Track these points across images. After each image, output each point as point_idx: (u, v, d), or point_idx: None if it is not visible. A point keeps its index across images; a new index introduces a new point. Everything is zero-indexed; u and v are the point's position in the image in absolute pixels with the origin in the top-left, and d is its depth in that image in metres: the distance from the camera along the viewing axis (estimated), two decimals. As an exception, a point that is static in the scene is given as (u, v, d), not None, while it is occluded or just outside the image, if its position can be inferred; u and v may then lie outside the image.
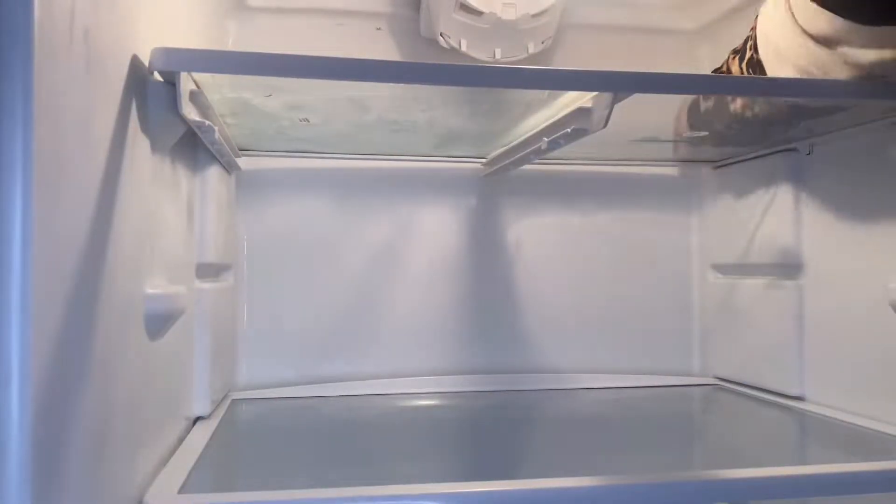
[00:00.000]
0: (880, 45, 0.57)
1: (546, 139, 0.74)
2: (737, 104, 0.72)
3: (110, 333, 0.45)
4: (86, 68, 0.41)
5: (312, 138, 0.89)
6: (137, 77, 0.51)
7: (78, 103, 0.40)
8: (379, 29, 1.00)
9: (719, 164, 1.03)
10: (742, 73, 0.72)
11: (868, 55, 0.57)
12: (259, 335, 0.97)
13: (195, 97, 0.59)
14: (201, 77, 0.58)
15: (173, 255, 0.64)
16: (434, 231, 1.02)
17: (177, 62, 0.53)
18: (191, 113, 0.57)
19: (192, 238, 0.73)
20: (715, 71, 0.81)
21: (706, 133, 0.83)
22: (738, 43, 0.76)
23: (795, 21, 0.61)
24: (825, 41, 0.59)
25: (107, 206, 0.44)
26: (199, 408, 0.75)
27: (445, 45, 0.92)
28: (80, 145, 0.40)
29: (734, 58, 0.74)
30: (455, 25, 0.89)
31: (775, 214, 0.91)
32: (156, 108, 0.54)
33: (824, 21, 0.58)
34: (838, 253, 0.82)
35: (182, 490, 0.52)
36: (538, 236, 1.04)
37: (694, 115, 0.77)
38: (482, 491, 0.52)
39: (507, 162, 0.92)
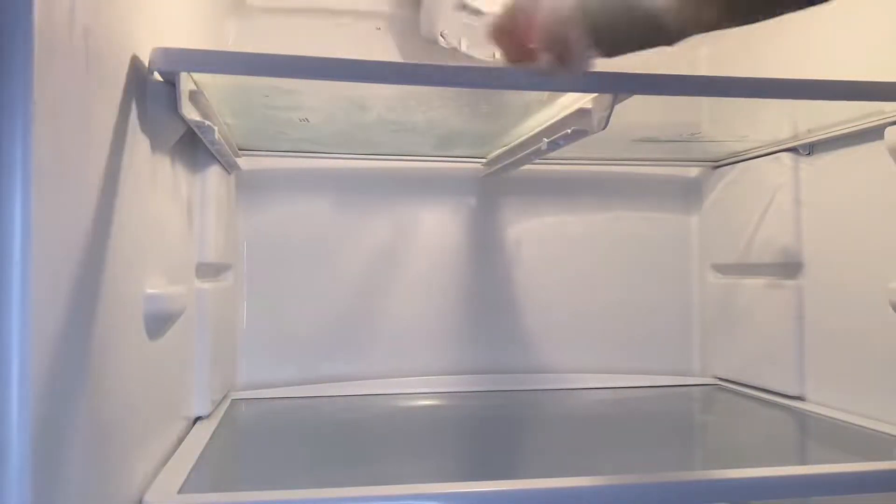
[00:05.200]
0: None
1: (546, 140, 0.74)
2: None
3: (110, 333, 0.45)
4: (86, 68, 0.41)
5: (312, 138, 0.89)
6: (137, 77, 0.51)
7: (78, 103, 0.40)
8: (379, 29, 1.00)
9: (719, 164, 1.03)
10: None
11: None
12: (259, 335, 0.96)
13: (195, 97, 0.59)
14: (201, 77, 0.58)
15: (173, 255, 0.64)
16: (434, 231, 1.02)
17: (177, 62, 0.53)
18: (191, 113, 0.57)
19: (192, 238, 0.73)
20: None
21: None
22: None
23: None
24: None
25: (107, 206, 0.44)
26: (199, 408, 0.75)
27: (445, 45, 0.92)
28: (80, 145, 0.40)
29: None
30: (455, 25, 0.89)
31: (775, 214, 0.91)
32: (156, 108, 0.54)
33: None
34: (838, 253, 0.82)
35: (182, 490, 0.52)
36: (538, 236, 1.04)
37: None
38: (482, 491, 0.52)
39: (507, 162, 0.92)
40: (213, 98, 0.64)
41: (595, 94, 0.63)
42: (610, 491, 0.53)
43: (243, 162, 0.94)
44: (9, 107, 0.33)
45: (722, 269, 1.04)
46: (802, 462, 0.73)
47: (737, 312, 0.99)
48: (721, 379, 1.03)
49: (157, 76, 0.54)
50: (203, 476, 0.58)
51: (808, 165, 0.87)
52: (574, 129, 0.67)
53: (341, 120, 0.79)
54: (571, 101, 0.67)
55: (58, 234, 0.37)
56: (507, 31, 0.54)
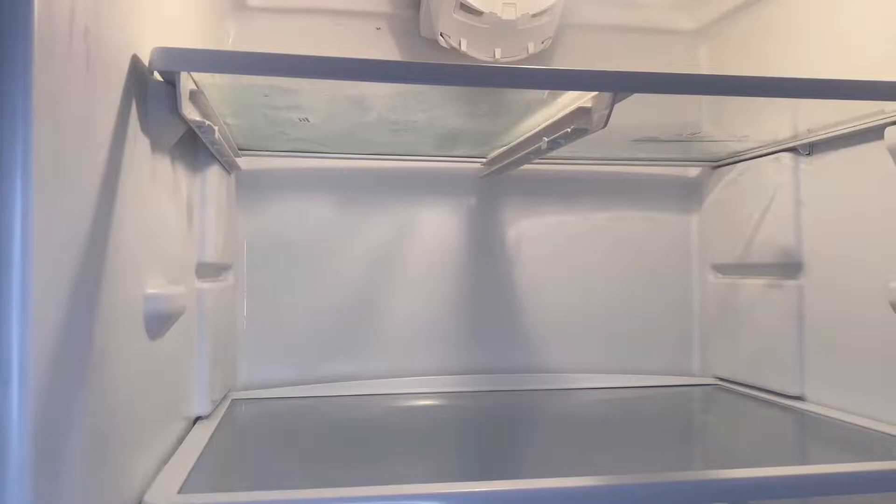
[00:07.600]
0: None
1: (546, 139, 0.74)
2: None
3: (110, 333, 0.45)
4: (86, 68, 0.41)
5: (312, 138, 0.89)
6: (137, 77, 0.51)
7: (78, 103, 0.40)
8: (379, 29, 1.00)
9: (719, 164, 1.03)
10: None
11: None
12: (259, 335, 0.97)
13: (195, 97, 0.59)
14: (201, 77, 0.58)
15: (173, 255, 0.64)
16: (434, 231, 1.02)
17: (177, 62, 0.53)
18: (191, 113, 0.57)
19: (192, 238, 0.73)
20: None
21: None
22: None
23: None
24: None
25: (107, 205, 0.44)
26: (199, 408, 0.75)
27: (445, 45, 0.92)
28: (80, 145, 0.40)
29: None
30: (455, 25, 0.89)
31: (775, 214, 0.91)
32: (156, 108, 0.54)
33: None
34: (838, 253, 0.82)
35: (182, 490, 0.52)
36: (538, 236, 1.04)
37: None
38: (482, 491, 0.52)
39: (507, 162, 0.92)
40: (213, 98, 0.64)
41: (595, 93, 0.63)
42: (610, 491, 0.53)
43: (243, 162, 0.94)
44: (9, 107, 0.33)
45: (722, 269, 1.04)
46: (802, 462, 0.73)
47: (737, 312, 0.99)
48: (721, 379, 1.03)
49: (157, 76, 0.54)
50: (203, 476, 0.58)
51: (808, 165, 0.87)
52: (574, 127, 0.67)
53: (341, 120, 0.79)
54: (571, 100, 0.67)
55: (58, 234, 0.37)
56: None
